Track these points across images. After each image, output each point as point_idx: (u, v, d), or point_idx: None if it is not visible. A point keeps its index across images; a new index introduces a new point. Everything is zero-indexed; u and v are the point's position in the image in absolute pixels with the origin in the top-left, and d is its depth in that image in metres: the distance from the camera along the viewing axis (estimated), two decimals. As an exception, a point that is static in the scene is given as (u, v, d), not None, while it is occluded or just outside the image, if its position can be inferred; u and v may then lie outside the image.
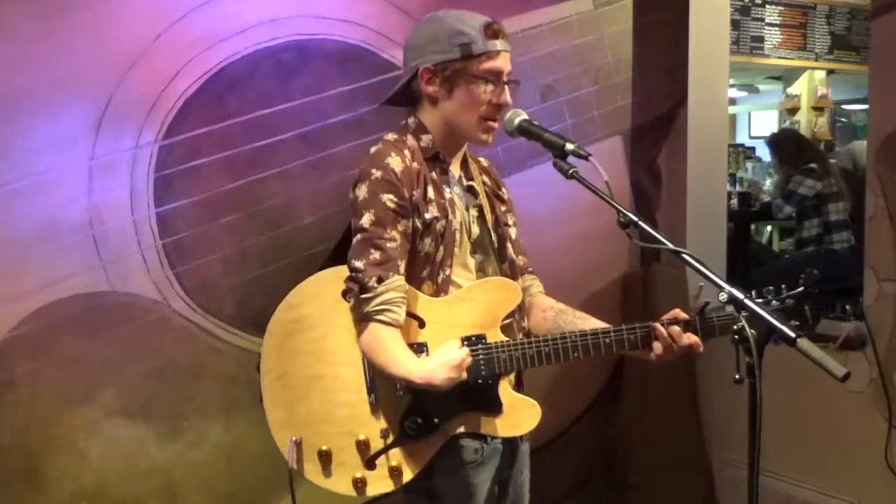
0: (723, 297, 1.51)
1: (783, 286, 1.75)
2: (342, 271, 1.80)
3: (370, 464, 1.80)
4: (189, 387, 2.60)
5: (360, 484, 1.80)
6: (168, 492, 2.59)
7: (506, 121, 1.83)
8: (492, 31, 1.81)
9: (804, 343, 1.43)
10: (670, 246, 1.61)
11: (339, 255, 1.85)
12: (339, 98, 2.73)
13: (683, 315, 1.79)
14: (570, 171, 1.72)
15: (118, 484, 2.52)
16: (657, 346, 1.78)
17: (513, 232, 2.00)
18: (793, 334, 1.43)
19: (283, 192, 2.68)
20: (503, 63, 1.83)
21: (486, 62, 1.80)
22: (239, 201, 2.63)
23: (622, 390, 3.44)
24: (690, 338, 1.77)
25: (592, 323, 1.90)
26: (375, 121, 2.76)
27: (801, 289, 1.75)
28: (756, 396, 1.46)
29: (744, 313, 1.50)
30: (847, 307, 4.49)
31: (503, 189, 2.05)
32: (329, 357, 1.82)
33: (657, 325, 1.78)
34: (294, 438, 1.81)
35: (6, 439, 2.39)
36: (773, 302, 1.72)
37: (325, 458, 1.81)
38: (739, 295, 1.50)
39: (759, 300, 1.67)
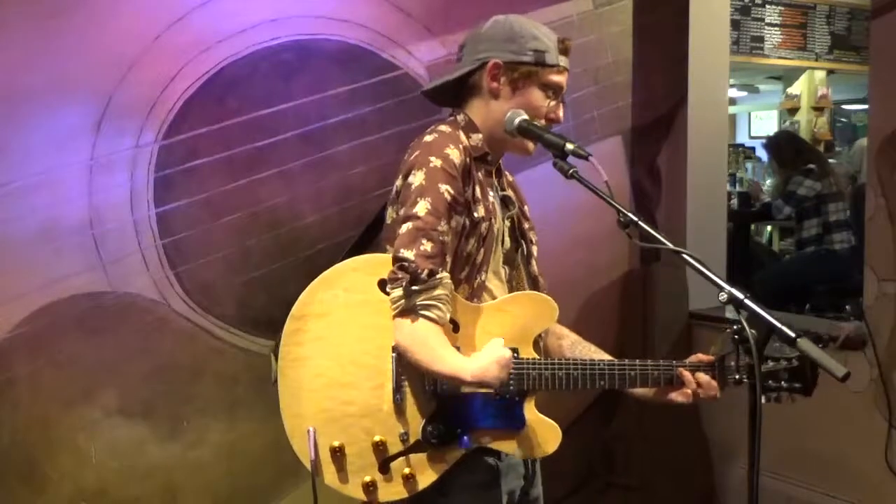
0: (722, 297, 1.51)
1: None
2: (374, 259, 1.74)
3: (384, 467, 1.72)
4: (189, 387, 2.59)
5: (370, 488, 1.71)
6: (168, 492, 2.59)
7: (506, 121, 1.80)
8: (564, 48, 1.83)
9: (804, 343, 1.43)
10: (670, 246, 1.61)
11: (359, 248, 1.80)
12: (339, 98, 2.73)
13: (707, 358, 1.80)
14: (570, 171, 1.70)
15: (118, 484, 2.52)
16: (685, 391, 1.79)
17: (535, 251, 1.97)
18: (793, 334, 1.43)
19: (283, 192, 2.67)
20: (564, 80, 1.85)
21: (555, 75, 1.81)
22: (239, 201, 2.62)
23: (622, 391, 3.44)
24: (711, 384, 1.77)
25: (606, 357, 1.90)
26: (375, 121, 2.76)
27: None
28: (756, 396, 1.46)
29: (743, 313, 1.50)
30: (847, 307, 4.49)
31: (526, 206, 2.02)
32: (354, 347, 1.73)
33: (683, 370, 1.78)
34: (311, 428, 1.71)
35: (6, 439, 2.39)
36: None
37: (338, 456, 1.71)
38: (739, 295, 1.50)
39: None
